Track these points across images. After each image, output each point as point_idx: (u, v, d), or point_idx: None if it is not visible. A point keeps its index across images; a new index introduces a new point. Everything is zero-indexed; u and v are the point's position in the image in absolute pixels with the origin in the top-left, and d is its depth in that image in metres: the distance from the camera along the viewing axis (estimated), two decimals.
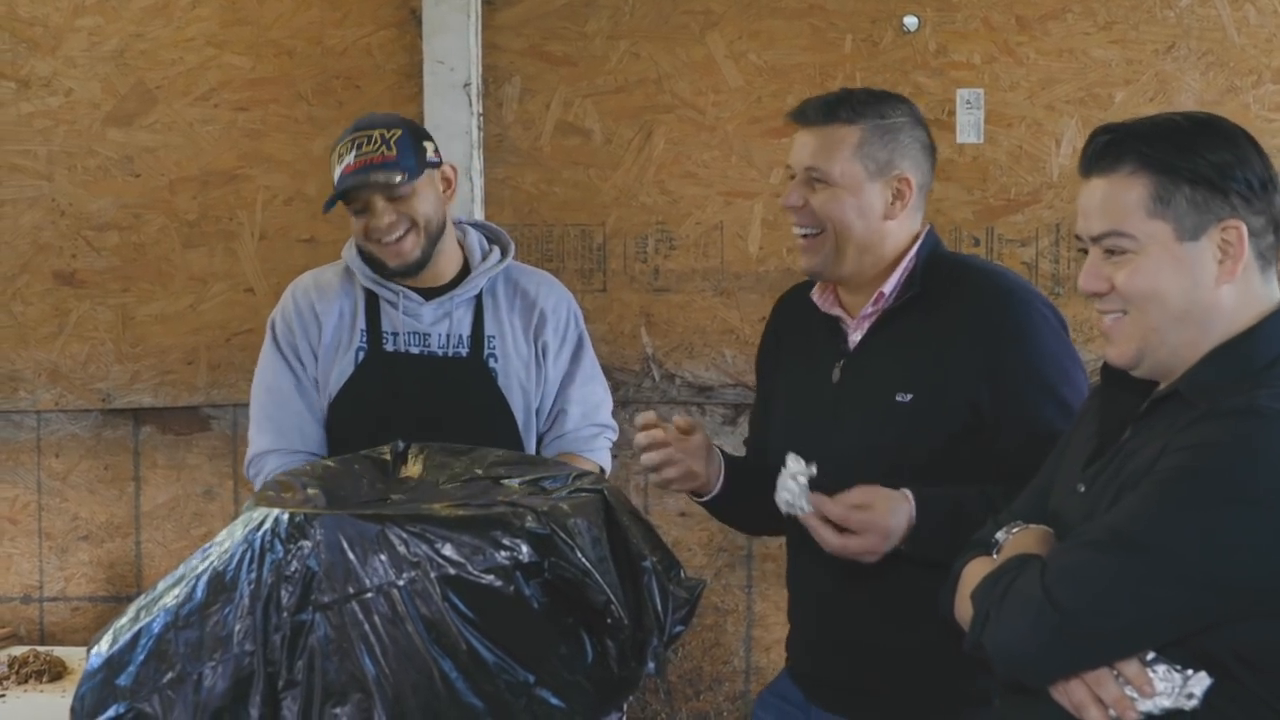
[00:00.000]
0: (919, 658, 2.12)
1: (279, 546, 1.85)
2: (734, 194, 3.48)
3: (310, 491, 2.03)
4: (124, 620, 1.96)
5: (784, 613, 3.47)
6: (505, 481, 2.08)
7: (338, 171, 2.58)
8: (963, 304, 2.16)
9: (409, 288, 2.66)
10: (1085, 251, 1.72)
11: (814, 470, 2.07)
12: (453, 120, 3.45)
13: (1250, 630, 1.56)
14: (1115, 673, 1.59)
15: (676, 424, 2.27)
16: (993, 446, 2.12)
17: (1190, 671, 1.57)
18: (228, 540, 1.92)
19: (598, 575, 1.87)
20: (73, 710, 1.95)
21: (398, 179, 2.54)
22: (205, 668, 1.84)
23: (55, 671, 3.22)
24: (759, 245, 3.48)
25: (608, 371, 2.97)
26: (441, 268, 2.68)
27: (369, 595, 1.80)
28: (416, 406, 2.60)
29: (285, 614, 1.82)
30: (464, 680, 1.80)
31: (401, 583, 1.81)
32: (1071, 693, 1.61)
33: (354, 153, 2.55)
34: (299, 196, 3.57)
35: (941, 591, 1.88)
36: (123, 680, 1.88)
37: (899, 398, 2.15)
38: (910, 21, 3.38)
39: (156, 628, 1.89)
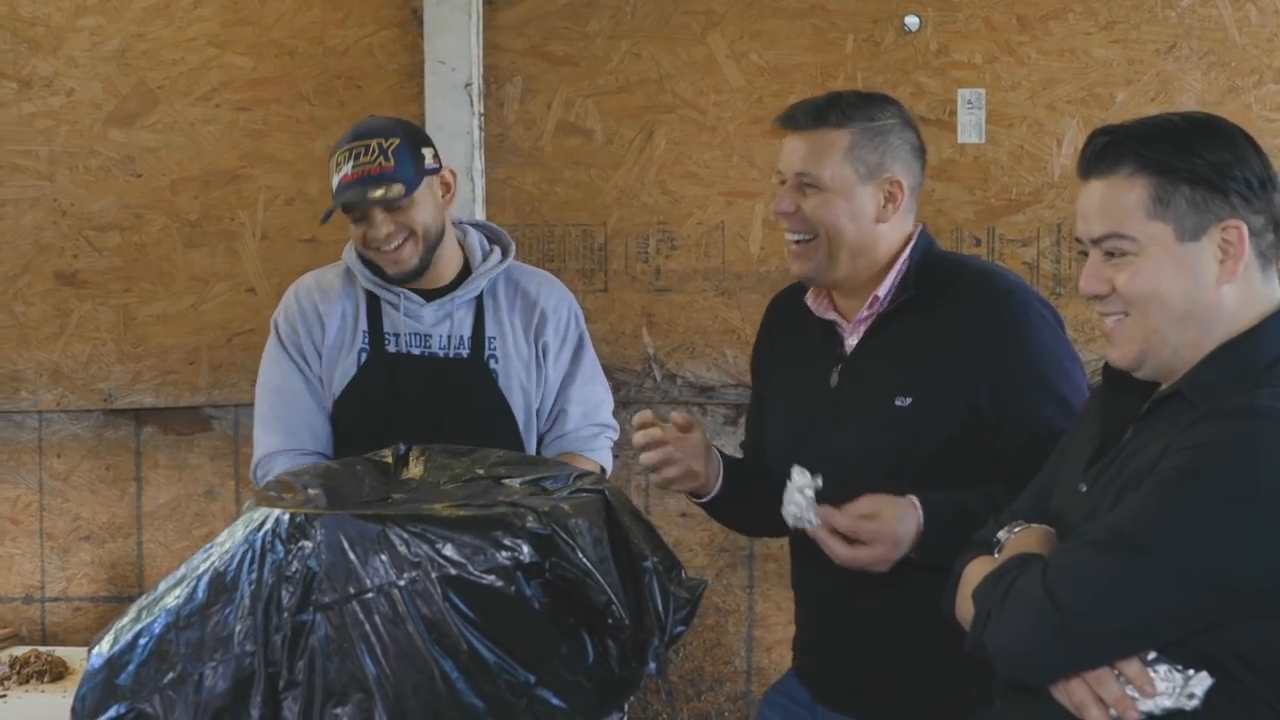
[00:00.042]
0: (924, 659, 2.12)
1: (280, 547, 1.85)
2: (735, 194, 3.48)
3: (311, 492, 2.04)
4: (125, 620, 1.96)
5: (785, 613, 3.49)
6: (506, 481, 2.08)
7: (335, 180, 2.58)
8: (959, 305, 2.16)
9: (410, 289, 2.66)
10: (1085, 254, 1.72)
11: (819, 482, 2.06)
12: (454, 120, 3.45)
13: (1251, 630, 1.56)
14: (1116, 672, 1.59)
15: (675, 421, 2.26)
16: (994, 447, 2.12)
17: (1191, 671, 1.57)
18: (228, 540, 1.92)
19: (599, 575, 1.87)
20: (73, 710, 1.95)
21: (395, 193, 2.53)
22: (206, 668, 1.84)
23: (56, 672, 3.22)
24: (760, 245, 3.48)
25: (609, 372, 2.98)
26: (442, 269, 2.68)
27: (370, 595, 1.81)
28: (418, 407, 2.60)
29: (286, 614, 1.82)
30: (465, 680, 1.80)
31: (402, 583, 1.81)
32: (1072, 692, 1.61)
33: (351, 163, 2.55)
34: (300, 196, 3.57)
35: (943, 591, 1.88)
36: (123, 680, 1.89)
37: (898, 402, 2.14)
38: (912, 21, 3.38)
39: (157, 628, 1.89)
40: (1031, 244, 3.40)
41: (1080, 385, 2.16)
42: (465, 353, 2.66)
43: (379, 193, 2.52)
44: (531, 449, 2.70)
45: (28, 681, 3.17)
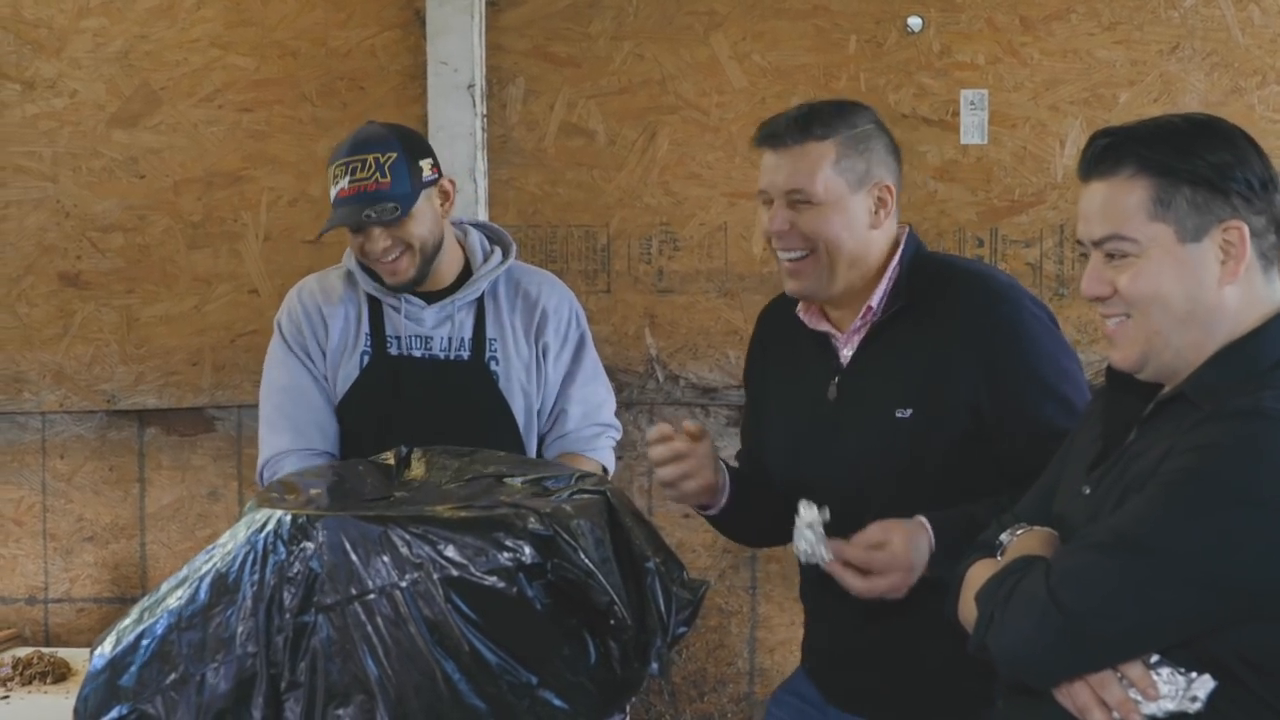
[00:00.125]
0: (937, 662, 2.10)
1: (281, 548, 1.85)
2: (738, 195, 3.48)
3: (313, 493, 2.04)
4: (127, 622, 1.96)
5: (788, 614, 3.49)
6: (508, 480, 2.08)
7: (332, 192, 2.58)
8: (953, 311, 2.15)
9: (410, 292, 2.67)
10: (1087, 255, 1.72)
11: (827, 515, 2.05)
12: (457, 121, 3.45)
13: (1255, 633, 1.56)
14: (1119, 675, 1.59)
15: (687, 430, 2.23)
16: (996, 450, 2.12)
17: (1194, 674, 1.57)
18: (230, 542, 1.92)
19: (601, 576, 1.87)
20: (76, 711, 1.96)
21: (390, 212, 2.52)
22: (208, 669, 1.84)
23: (59, 673, 3.22)
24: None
25: (611, 373, 2.97)
26: (443, 271, 2.68)
27: (372, 596, 1.81)
28: (419, 410, 2.61)
29: (288, 615, 1.82)
30: (467, 682, 1.80)
31: (404, 584, 1.81)
32: (1075, 695, 1.61)
33: (348, 178, 2.54)
34: (303, 198, 3.57)
35: (946, 594, 1.88)
36: (126, 681, 1.89)
37: (899, 414, 2.14)
38: (914, 22, 3.38)
39: (159, 629, 1.89)
40: (1034, 245, 3.40)
41: (1079, 382, 2.16)
42: (466, 355, 2.66)
43: (374, 213, 2.52)
44: (532, 450, 2.70)
45: (30, 682, 3.17)
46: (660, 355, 3.53)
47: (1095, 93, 3.35)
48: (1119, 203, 1.66)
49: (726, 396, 3.50)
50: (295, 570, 1.83)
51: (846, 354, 2.23)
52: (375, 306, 2.68)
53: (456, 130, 3.44)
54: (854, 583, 2.04)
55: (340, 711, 1.80)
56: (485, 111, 3.50)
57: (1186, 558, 1.54)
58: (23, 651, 3.34)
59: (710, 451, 2.24)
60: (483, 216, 3.44)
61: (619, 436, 2.83)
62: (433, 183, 2.61)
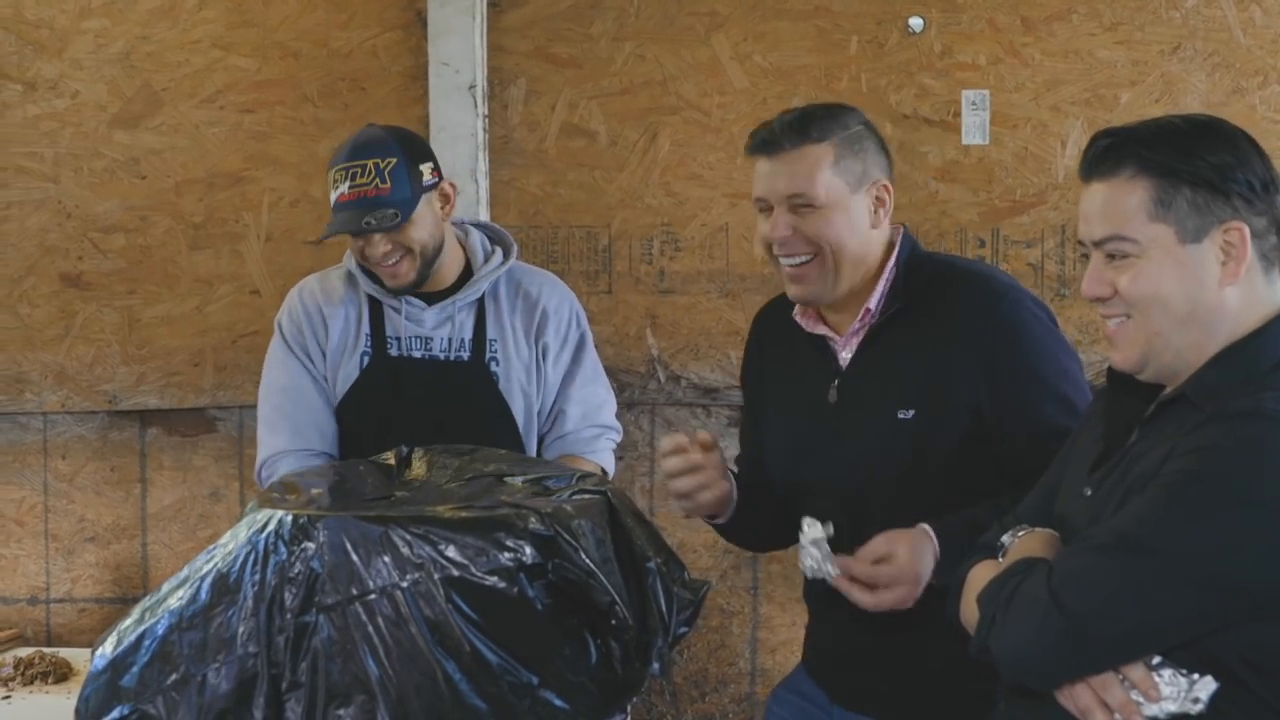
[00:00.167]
0: (944, 663, 2.10)
1: (282, 548, 1.85)
2: (739, 195, 3.47)
3: (314, 493, 2.04)
4: (128, 622, 1.96)
5: (790, 614, 3.49)
6: (508, 480, 2.08)
7: (332, 197, 2.58)
8: (952, 311, 2.15)
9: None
10: (1088, 256, 1.72)
11: (831, 530, 2.05)
12: (458, 122, 3.45)
13: (1257, 634, 1.56)
14: (1121, 677, 1.59)
15: (700, 440, 2.22)
16: (997, 450, 2.12)
17: (1196, 676, 1.57)
18: (231, 542, 1.92)
19: (602, 576, 1.87)
20: (77, 712, 1.96)
21: (390, 219, 2.52)
22: (209, 669, 1.84)
23: (61, 673, 3.22)
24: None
25: (613, 374, 2.97)
26: (443, 272, 2.68)
27: (372, 597, 1.81)
28: (419, 410, 2.61)
29: (289, 615, 1.82)
30: (468, 682, 1.80)
31: (405, 584, 1.81)
32: (1077, 697, 1.61)
33: (348, 183, 2.54)
34: (305, 198, 3.57)
35: (948, 595, 1.87)
36: (127, 682, 1.89)
37: (900, 415, 2.13)
38: (915, 23, 3.38)
39: (160, 629, 1.89)
40: (1036, 245, 3.39)
41: (1079, 381, 2.16)
42: (466, 355, 2.66)
43: (373, 220, 2.52)
44: (532, 451, 2.70)
45: (32, 683, 3.18)
46: (662, 356, 3.53)
47: (1097, 93, 3.35)
48: (1119, 203, 1.66)
49: (728, 397, 3.50)
50: (296, 570, 1.83)
51: (845, 356, 2.22)
52: (376, 307, 2.68)
53: (458, 131, 3.44)
54: (862, 598, 2.04)
55: (341, 711, 1.80)
56: (487, 112, 3.50)
57: (1188, 559, 1.54)
58: (24, 651, 3.34)
59: (722, 461, 2.24)
60: (484, 217, 3.44)
61: (619, 439, 2.82)
62: (433, 186, 2.61)
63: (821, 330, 2.25)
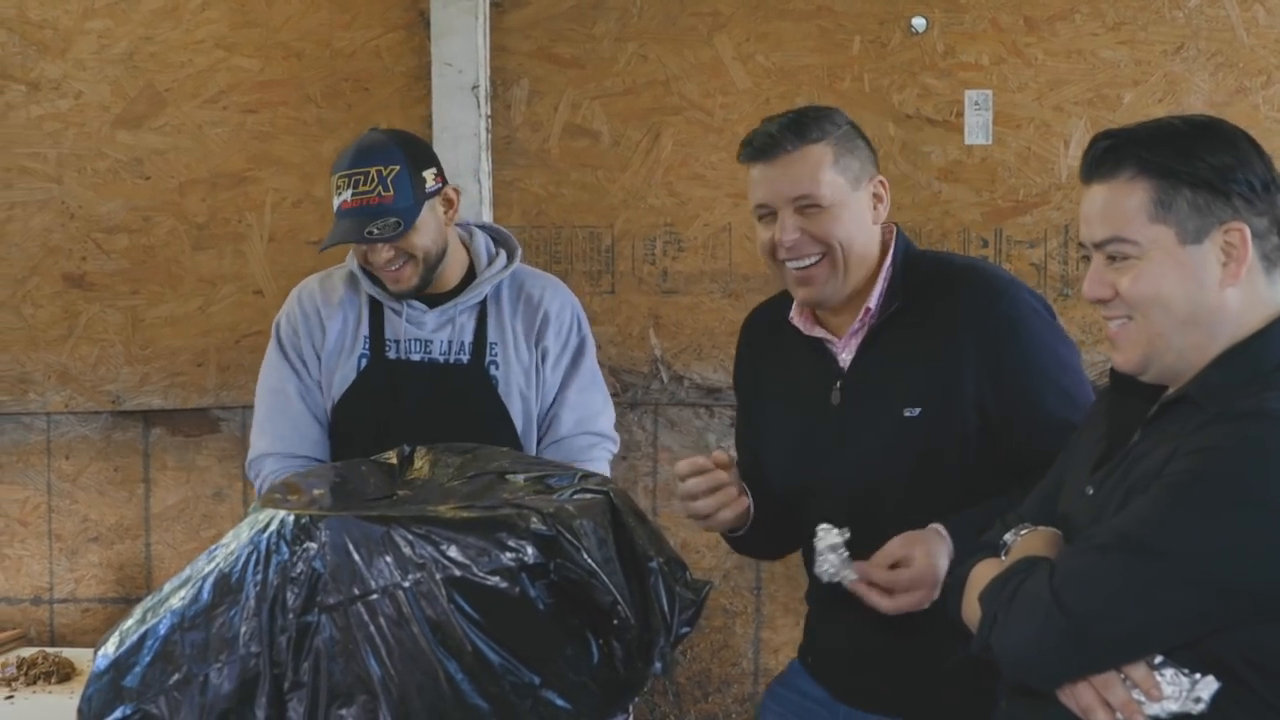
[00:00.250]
0: (956, 662, 2.10)
1: (285, 548, 1.85)
2: (742, 195, 3.46)
3: (316, 493, 2.04)
4: (130, 622, 1.96)
5: (793, 615, 3.48)
6: (510, 477, 2.08)
7: (335, 203, 2.57)
8: (953, 307, 2.15)
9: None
10: (1089, 258, 1.72)
11: (848, 535, 2.05)
12: (461, 122, 3.45)
13: (1259, 634, 1.56)
14: (1123, 676, 1.59)
15: (717, 460, 2.21)
16: (1002, 445, 2.12)
17: (1198, 675, 1.57)
18: (234, 542, 1.92)
19: (604, 576, 1.87)
20: (79, 712, 1.96)
21: (392, 228, 2.51)
22: (211, 669, 1.85)
23: (64, 673, 3.22)
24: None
25: (616, 374, 2.97)
26: (446, 275, 2.67)
27: (374, 597, 1.81)
28: (417, 413, 2.60)
29: (291, 615, 1.83)
30: (469, 681, 1.80)
31: (407, 584, 1.81)
32: (1079, 696, 1.61)
33: (351, 190, 2.53)
34: (308, 199, 3.57)
35: (950, 594, 1.87)
36: (129, 682, 1.89)
37: (907, 413, 2.13)
38: (918, 23, 3.38)
39: (163, 629, 1.90)
40: (1039, 245, 3.39)
41: (1078, 371, 2.17)
42: (466, 358, 2.65)
43: (376, 229, 2.51)
44: None
45: (35, 682, 3.18)
46: (664, 356, 3.53)
47: (1099, 93, 3.34)
48: (1119, 205, 1.66)
49: (730, 397, 3.48)
50: (298, 570, 1.84)
51: (845, 358, 2.22)
52: (376, 308, 2.68)
53: (461, 131, 3.44)
54: (880, 602, 2.04)
55: (343, 711, 1.80)
56: (490, 112, 3.50)
57: (1191, 559, 1.54)
58: (27, 651, 3.34)
59: (738, 478, 2.23)
60: (487, 217, 3.44)
61: (616, 449, 2.77)
62: (436, 192, 2.60)
63: (819, 333, 2.25)
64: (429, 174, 2.59)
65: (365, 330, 2.67)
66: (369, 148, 2.58)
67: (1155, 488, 1.58)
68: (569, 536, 1.86)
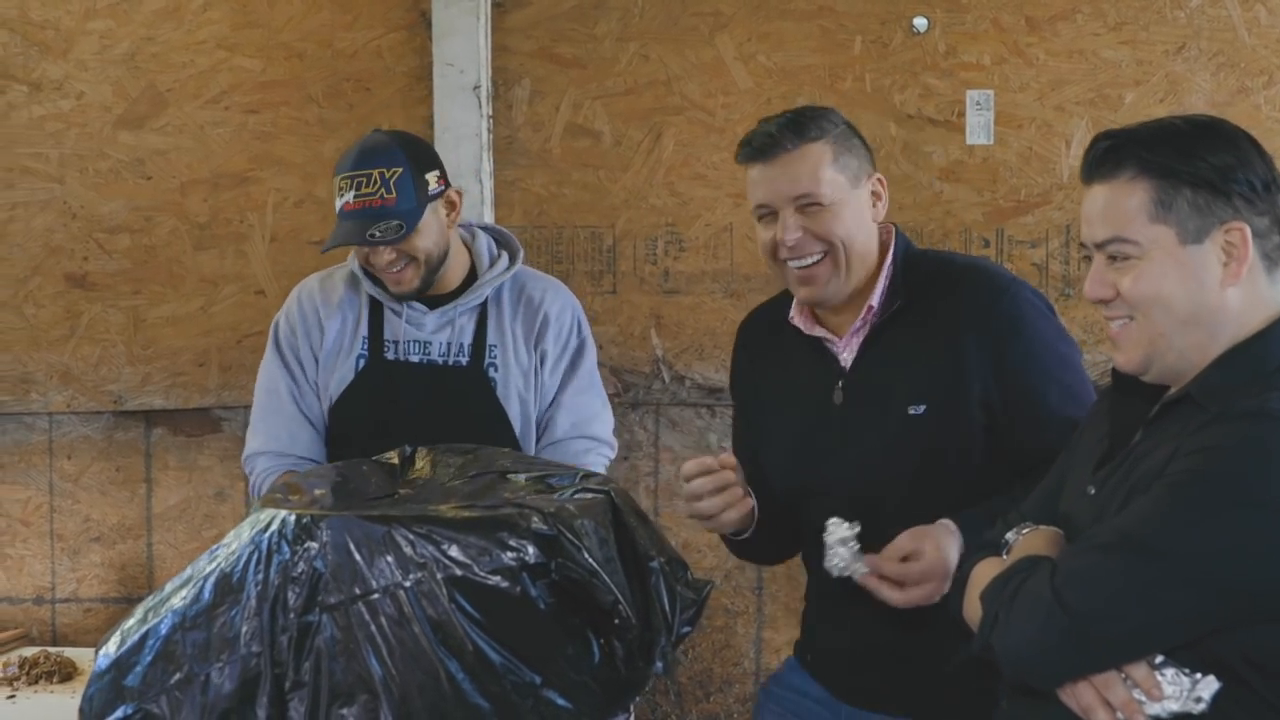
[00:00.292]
0: (962, 660, 2.09)
1: (286, 548, 1.85)
2: (743, 196, 3.42)
3: (317, 493, 2.04)
4: (131, 622, 1.96)
5: (795, 615, 3.47)
6: (511, 477, 2.08)
7: (338, 204, 2.57)
8: (955, 307, 2.15)
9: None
10: (1090, 258, 1.72)
11: (859, 527, 2.05)
12: (462, 122, 3.45)
13: (1260, 634, 1.56)
14: (1123, 676, 1.59)
15: (724, 463, 2.20)
16: (1005, 442, 2.12)
17: (1199, 675, 1.57)
18: (235, 542, 1.93)
19: (605, 575, 1.87)
20: (81, 711, 1.96)
21: (394, 230, 2.51)
22: (212, 669, 1.85)
23: (65, 672, 3.23)
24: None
25: (618, 374, 2.97)
26: (447, 277, 2.67)
27: (375, 596, 1.81)
28: (414, 414, 2.59)
29: (292, 615, 1.83)
30: (470, 681, 1.80)
31: (408, 584, 1.81)
32: (1079, 695, 1.61)
33: (353, 192, 2.53)
34: (309, 199, 3.57)
35: (951, 592, 1.87)
36: (130, 681, 1.89)
37: (912, 410, 2.13)
38: (920, 23, 3.38)
39: (164, 629, 1.90)
40: (1040, 245, 3.39)
41: (1079, 367, 2.18)
42: (465, 360, 2.65)
43: (378, 231, 2.51)
44: None
45: (37, 682, 3.18)
46: (666, 356, 3.53)
47: (1101, 93, 3.34)
48: (1120, 205, 1.66)
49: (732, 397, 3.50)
50: (299, 570, 1.84)
51: (847, 357, 2.22)
52: (376, 309, 2.68)
53: (462, 131, 3.44)
54: (891, 595, 2.04)
55: (344, 711, 1.80)
56: (491, 113, 3.50)
57: (1191, 559, 1.54)
58: (29, 651, 3.34)
59: (743, 479, 2.23)
60: (488, 218, 3.44)
61: (614, 455, 2.76)
62: (438, 195, 2.60)
63: (819, 332, 2.24)
64: (432, 176, 2.59)
65: (364, 331, 2.67)
66: (372, 149, 2.57)
67: (1157, 487, 1.59)
68: (570, 536, 1.86)
